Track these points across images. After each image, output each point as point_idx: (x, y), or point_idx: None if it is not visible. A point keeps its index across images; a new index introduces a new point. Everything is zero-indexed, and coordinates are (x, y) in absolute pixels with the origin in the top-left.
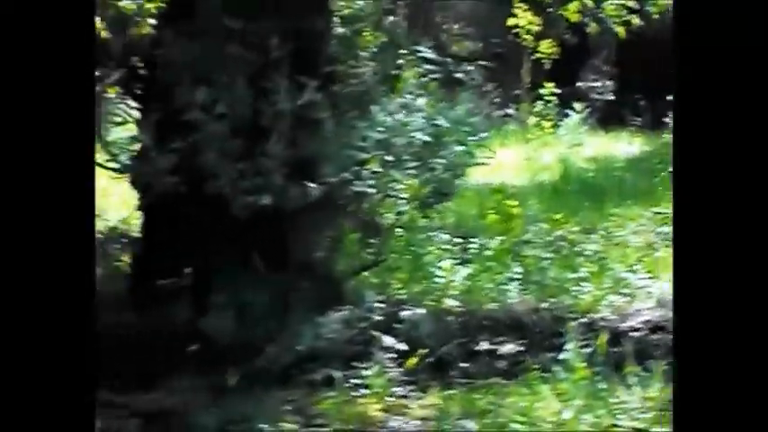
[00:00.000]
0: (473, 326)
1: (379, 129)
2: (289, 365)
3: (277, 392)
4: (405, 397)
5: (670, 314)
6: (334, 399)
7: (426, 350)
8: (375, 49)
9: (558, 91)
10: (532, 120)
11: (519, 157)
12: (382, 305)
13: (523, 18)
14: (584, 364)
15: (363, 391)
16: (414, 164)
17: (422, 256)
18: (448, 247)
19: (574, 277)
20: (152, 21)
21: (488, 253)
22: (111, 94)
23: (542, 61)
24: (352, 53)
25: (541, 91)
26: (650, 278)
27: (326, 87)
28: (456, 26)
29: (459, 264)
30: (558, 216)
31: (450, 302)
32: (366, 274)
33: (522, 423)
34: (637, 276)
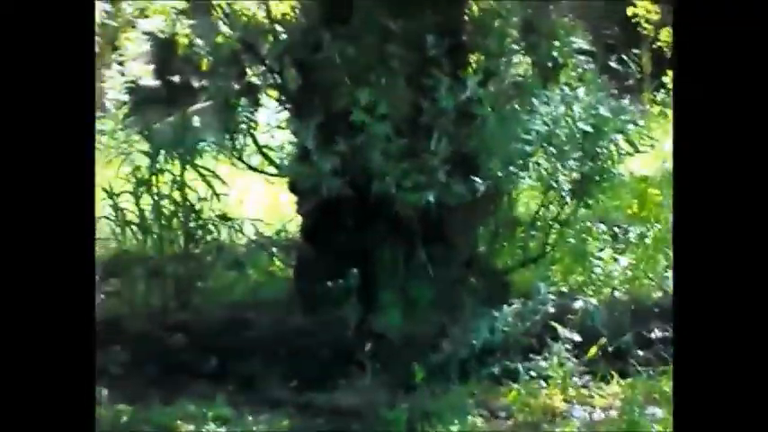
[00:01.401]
0: (643, 314)
1: (542, 121)
2: (466, 360)
3: (459, 387)
4: (585, 387)
5: None
6: (517, 391)
7: (603, 340)
8: (525, 43)
9: None
10: (655, 109)
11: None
12: (552, 297)
13: (642, 7)
14: None
15: (543, 383)
16: (576, 155)
17: (582, 247)
18: (606, 237)
19: None
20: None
21: (647, 241)
22: (270, 98)
23: (663, 50)
24: (506, 46)
25: (663, 79)
26: None
27: (486, 82)
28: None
29: (620, 253)
30: None
31: (614, 292)
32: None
33: None
34: None
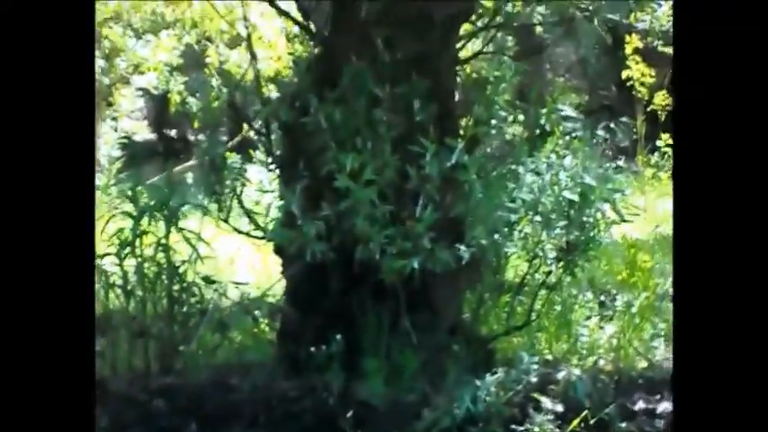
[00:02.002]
0: (626, 385)
1: (528, 189)
2: (448, 429)
3: None
4: None
5: None
6: None
7: (585, 411)
8: (512, 110)
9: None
10: (649, 171)
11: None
12: (535, 366)
13: (637, 70)
14: None
15: None
16: (561, 223)
17: (568, 315)
18: (593, 305)
19: None
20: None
21: (632, 310)
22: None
23: (657, 113)
24: (492, 113)
25: (657, 143)
26: None
27: (472, 149)
28: (562, 78)
29: (607, 321)
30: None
31: (599, 361)
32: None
33: None
34: None
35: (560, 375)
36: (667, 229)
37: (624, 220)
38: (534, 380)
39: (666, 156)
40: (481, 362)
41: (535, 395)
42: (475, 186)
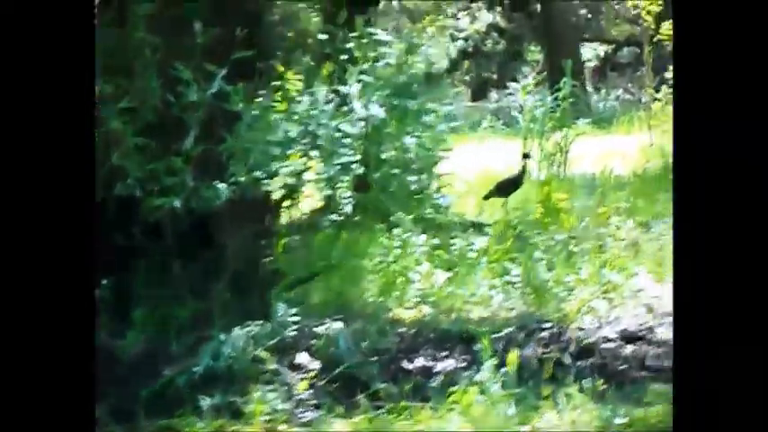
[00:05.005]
0: (417, 340)
1: (299, 122)
2: (180, 389)
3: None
4: (309, 423)
5: (654, 322)
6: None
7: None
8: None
9: None
10: (657, 105)
11: (641, 144)
12: (295, 319)
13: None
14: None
15: (265, 417)
16: (349, 159)
17: (397, 262)
18: (425, 249)
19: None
20: None
21: (471, 255)
22: None
23: (665, 44)
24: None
25: (666, 75)
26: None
27: (239, 77)
28: None
29: (441, 268)
30: (601, 210)
31: (405, 312)
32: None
33: None
34: (636, 279)
35: (322, 329)
36: (655, 165)
37: (431, 160)
38: (293, 334)
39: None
40: (258, 314)
41: (290, 350)
42: (241, 119)
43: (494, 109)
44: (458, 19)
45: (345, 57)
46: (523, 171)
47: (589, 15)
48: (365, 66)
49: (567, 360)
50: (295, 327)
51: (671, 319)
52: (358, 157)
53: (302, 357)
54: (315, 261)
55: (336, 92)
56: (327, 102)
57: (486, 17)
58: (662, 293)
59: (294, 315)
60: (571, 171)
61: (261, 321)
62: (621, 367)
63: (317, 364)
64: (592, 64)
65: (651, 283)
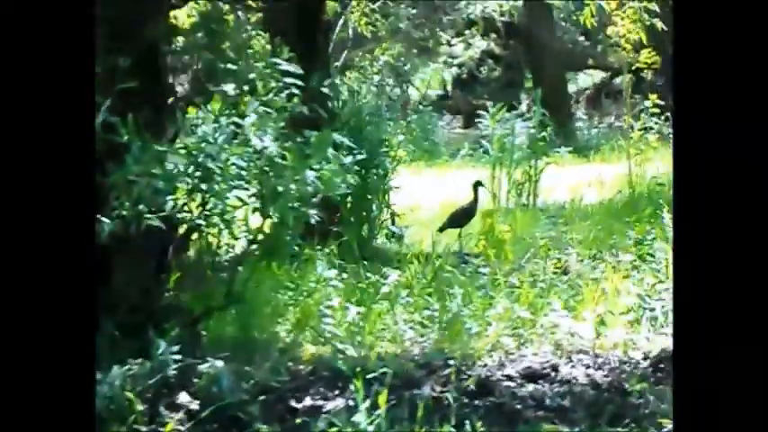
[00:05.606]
0: (310, 378)
1: (186, 151)
2: None
3: None
4: None
5: (560, 360)
6: None
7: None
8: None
9: (662, 103)
10: (637, 133)
11: (618, 173)
12: (177, 357)
13: (623, 27)
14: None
15: None
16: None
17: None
18: (336, 283)
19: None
20: None
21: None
22: None
23: (642, 72)
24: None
25: (646, 103)
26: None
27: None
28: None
29: (353, 303)
30: (543, 242)
31: (309, 349)
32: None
33: None
34: (558, 314)
35: (204, 367)
36: (624, 195)
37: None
38: (173, 372)
39: (654, 117)
40: (140, 351)
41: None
42: (128, 150)
43: (484, 136)
44: (452, 45)
45: (246, 87)
46: (475, 200)
47: (587, 42)
48: (266, 97)
49: (463, 399)
50: (176, 365)
51: (579, 356)
52: (253, 190)
53: (183, 397)
54: (214, 296)
55: (235, 123)
56: (221, 134)
57: (480, 44)
58: (576, 330)
59: (177, 353)
60: (542, 200)
61: (140, 360)
62: (518, 407)
63: (196, 405)
64: (588, 92)
65: (567, 320)
